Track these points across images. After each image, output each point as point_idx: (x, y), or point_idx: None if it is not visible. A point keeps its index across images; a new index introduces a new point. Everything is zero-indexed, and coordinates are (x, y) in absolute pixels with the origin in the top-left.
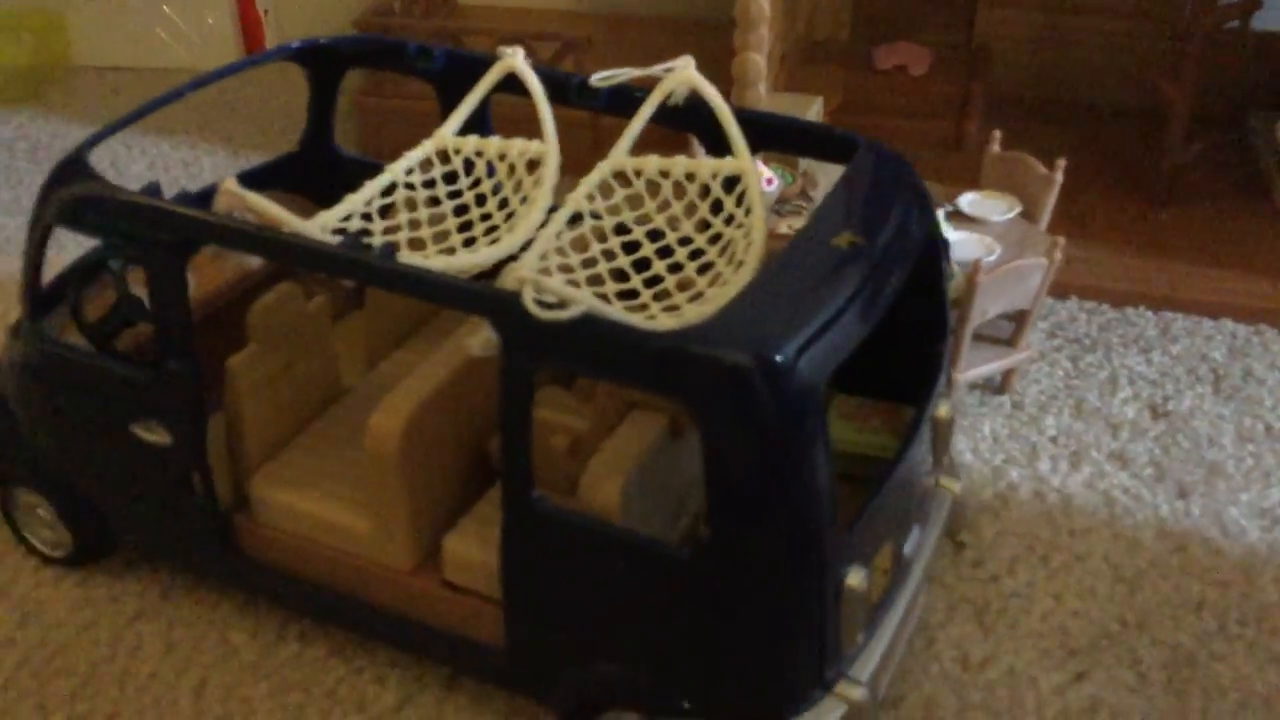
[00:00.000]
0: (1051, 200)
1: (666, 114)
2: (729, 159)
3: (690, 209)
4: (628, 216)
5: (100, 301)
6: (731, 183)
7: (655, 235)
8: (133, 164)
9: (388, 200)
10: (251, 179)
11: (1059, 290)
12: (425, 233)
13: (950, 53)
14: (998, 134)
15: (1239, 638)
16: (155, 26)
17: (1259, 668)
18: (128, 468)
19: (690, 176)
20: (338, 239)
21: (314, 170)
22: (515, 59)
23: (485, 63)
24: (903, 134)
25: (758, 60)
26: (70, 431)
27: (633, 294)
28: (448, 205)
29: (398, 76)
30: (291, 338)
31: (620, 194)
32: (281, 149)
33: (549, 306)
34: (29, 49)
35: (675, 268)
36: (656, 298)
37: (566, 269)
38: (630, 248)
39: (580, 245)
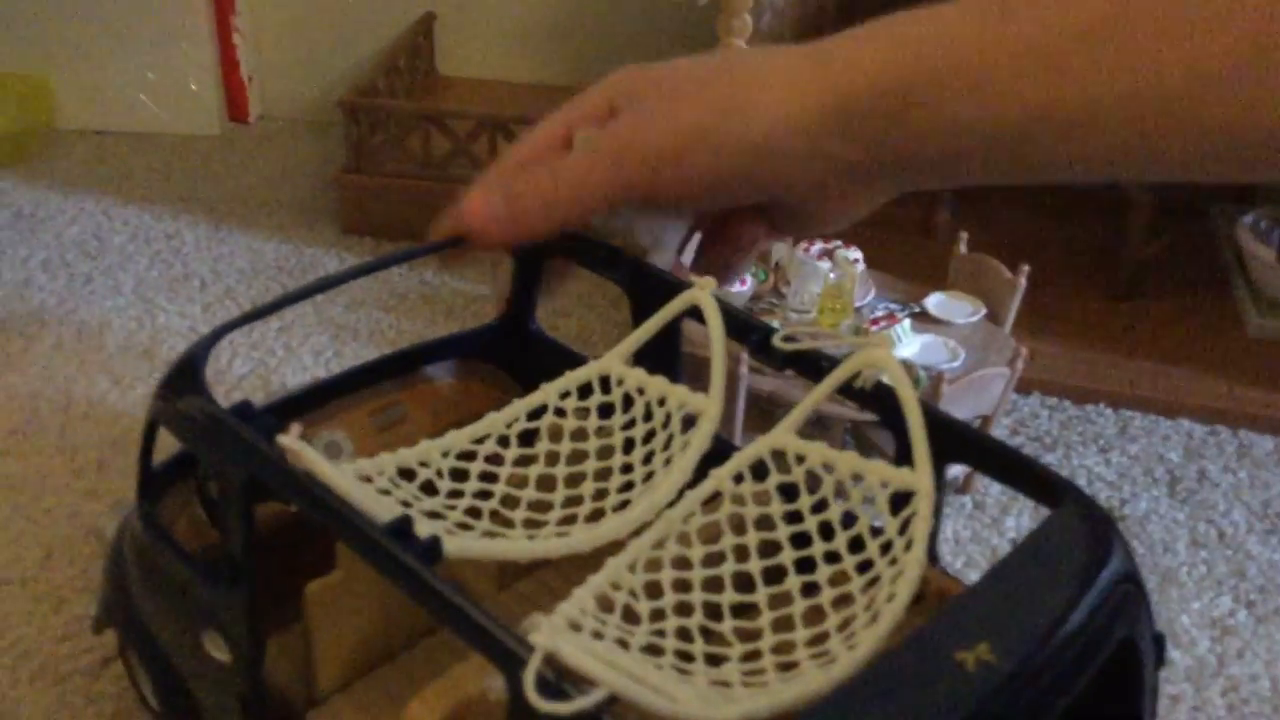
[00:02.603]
0: (1015, 304)
1: (854, 394)
2: (905, 470)
3: (847, 519)
4: (775, 510)
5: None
6: (901, 500)
7: (801, 540)
8: (114, 235)
9: (533, 425)
10: (447, 346)
11: (1022, 386)
12: (560, 471)
13: None
14: (965, 235)
15: None
16: (139, 91)
17: None
18: (201, 668)
19: (856, 478)
20: (389, 517)
21: (509, 347)
22: (703, 293)
23: (672, 286)
24: (872, 219)
25: None
26: (161, 616)
27: (750, 608)
28: (593, 443)
29: (383, 151)
30: None
31: (775, 479)
32: (261, 221)
33: (560, 690)
34: (13, 114)
35: (810, 589)
36: (775, 627)
37: (683, 563)
38: (768, 549)
39: (709, 535)
